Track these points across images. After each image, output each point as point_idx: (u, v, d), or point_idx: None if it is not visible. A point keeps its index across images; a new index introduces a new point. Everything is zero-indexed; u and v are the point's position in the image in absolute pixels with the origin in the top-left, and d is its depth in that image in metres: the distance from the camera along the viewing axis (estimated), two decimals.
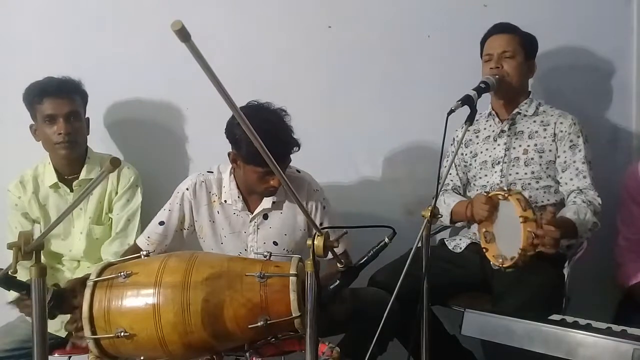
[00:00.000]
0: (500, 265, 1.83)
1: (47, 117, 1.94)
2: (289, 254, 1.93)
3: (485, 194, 1.88)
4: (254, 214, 1.92)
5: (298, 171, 1.98)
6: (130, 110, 2.37)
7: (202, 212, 1.94)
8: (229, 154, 1.84)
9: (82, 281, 1.51)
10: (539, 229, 1.66)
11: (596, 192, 1.90)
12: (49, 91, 1.94)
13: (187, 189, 1.93)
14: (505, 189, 1.84)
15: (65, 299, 1.46)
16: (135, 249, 1.90)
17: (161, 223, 1.93)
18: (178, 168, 2.37)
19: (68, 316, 1.58)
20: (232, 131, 1.77)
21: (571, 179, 1.95)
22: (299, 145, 1.79)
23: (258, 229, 1.94)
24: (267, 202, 1.91)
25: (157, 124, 2.40)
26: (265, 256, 1.47)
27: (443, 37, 2.36)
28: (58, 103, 1.95)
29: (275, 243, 1.93)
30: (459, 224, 2.16)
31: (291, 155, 1.88)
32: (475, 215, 1.91)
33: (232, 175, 1.92)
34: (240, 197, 1.91)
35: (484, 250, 1.91)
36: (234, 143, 1.79)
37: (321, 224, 1.92)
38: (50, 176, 2.03)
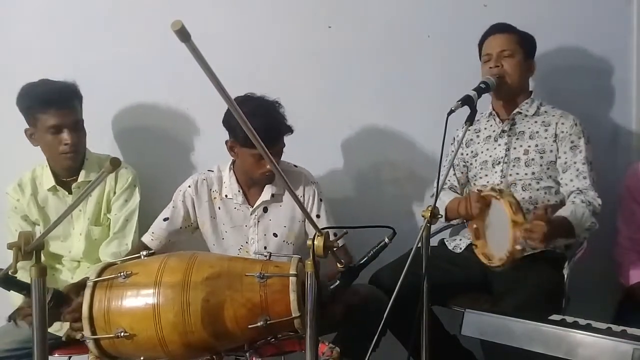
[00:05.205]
0: (488, 264, 1.83)
1: (52, 127, 1.90)
2: (288, 245, 2.00)
3: (478, 191, 1.89)
4: (254, 207, 1.97)
5: (295, 166, 2.04)
6: (130, 111, 2.37)
7: (203, 209, 1.99)
8: (226, 142, 1.91)
9: (76, 287, 1.52)
10: (528, 227, 1.65)
11: (596, 193, 1.90)
12: (53, 101, 1.90)
13: (189, 187, 2.00)
14: (497, 189, 1.84)
15: (63, 301, 1.47)
16: (141, 246, 1.95)
17: (165, 219, 1.99)
18: (178, 168, 2.36)
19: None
20: (229, 120, 1.86)
21: (571, 180, 1.95)
22: (291, 130, 1.88)
23: (258, 221, 1.99)
24: (266, 195, 1.96)
25: (157, 124, 2.40)
26: (265, 256, 1.47)
27: (443, 37, 2.36)
28: (63, 113, 1.91)
29: (274, 235, 1.99)
30: (454, 222, 2.16)
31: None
32: (467, 213, 1.91)
33: (232, 171, 1.99)
34: (241, 191, 1.97)
35: (474, 246, 1.92)
36: (230, 130, 1.87)
37: (317, 216, 1.99)
38: (48, 179, 2.02)
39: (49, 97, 1.90)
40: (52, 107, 1.90)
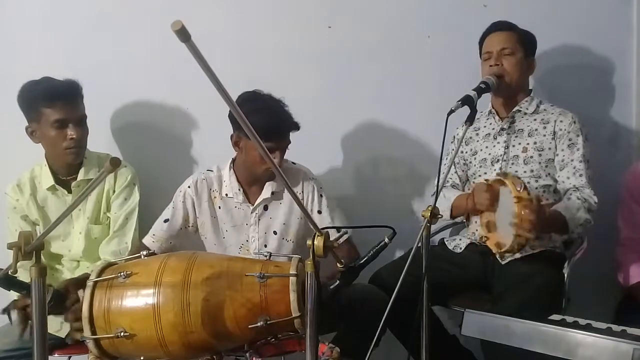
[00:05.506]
0: (499, 251, 1.84)
1: (57, 121, 1.91)
2: (288, 242, 2.01)
3: (485, 181, 1.89)
4: (254, 205, 1.98)
5: (294, 163, 2.05)
6: (130, 110, 2.37)
7: (203, 209, 2.00)
8: (231, 137, 1.92)
9: (76, 281, 1.52)
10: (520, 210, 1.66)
11: (592, 191, 1.90)
12: (60, 95, 1.91)
13: (189, 187, 2.00)
14: (502, 173, 1.84)
15: (63, 300, 1.46)
16: (142, 248, 1.95)
17: (166, 221, 2.00)
18: (178, 167, 2.37)
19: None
20: None
21: (568, 178, 1.95)
22: (298, 127, 1.89)
23: (259, 220, 2.00)
24: (267, 193, 1.97)
25: (157, 123, 2.40)
26: (265, 256, 1.47)
27: (443, 37, 2.36)
28: (69, 107, 1.92)
29: (275, 232, 2.00)
30: (458, 219, 2.16)
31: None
32: (477, 205, 1.91)
33: (232, 170, 1.99)
34: (241, 189, 1.98)
35: (485, 239, 1.92)
36: (236, 123, 1.86)
37: (319, 212, 2.00)
38: (47, 179, 2.02)
39: (56, 91, 1.91)
40: (59, 101, 1.90)
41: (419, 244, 1.50)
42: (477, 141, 2.14)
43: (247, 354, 1.46)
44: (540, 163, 1.99)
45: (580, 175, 1.93)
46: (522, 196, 1.68)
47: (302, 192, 2.00)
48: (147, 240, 2.00)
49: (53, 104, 1.90)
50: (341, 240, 1.84)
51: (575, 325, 1.27)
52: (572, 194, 1.90)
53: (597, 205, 1.89)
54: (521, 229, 1.68)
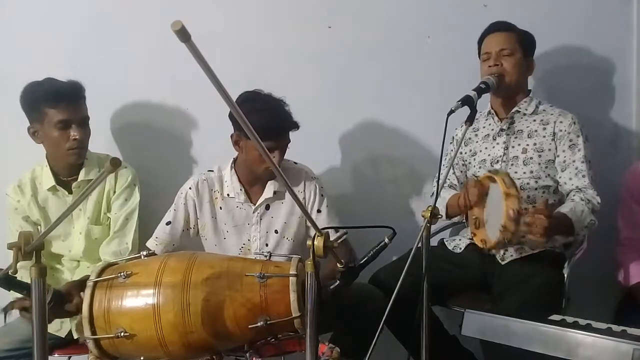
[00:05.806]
0: (484, 246, 1.84)
1: (61, 122, 1.91)
2: (288, 241, 2.01)
3: (475, 177, 1.88)
4: (256, 204, 1.98)
5: (295, 163, 2.05)
6: (130, 110, 2.37)
7: (204, 210, 2.00)
8: (231, 136, 1.92)
9: (79, 284, 1.52)
10: (531, 216, 1.65)
11: (595, 191, 1.90)
12: (64, 96, 1.91)
13: (190, 188, 2.00)
14: (493, 170, 1.83)
15: (62, 301, 1.47)
16: (145, 250, 1.93)
17: (168, 223, 2.00)
18: (178, 168, 2.37)
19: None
20: None
21: (570, 179, 1.95)
22: (297, 126, 1.89)
23: (261, 219, 2.00)
24: (269, 192, 1.97)
25: (158, 123, 2.40)
26: (265, 256, 1.47)
27: (443, 37, 2.36)
28: (73, 108, 1.93)
29: (276, 231, 2.00)
30: (455, 219, 2.16)
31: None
32: (466, 200, 1.90)
33: (233, 169, 2.00)
34: (243, 189, 1.98)
35: (472, 235, 1.92)
36: (237, 123, 1.86)
37: (319, 211, 2.00)
38: (47, 179, 2.01)
39: (59, 92, 1.92)
40: (63, 101, 1.91)
41: (419, 244, 1.50)
42: (477, 142, 2.14)
43: (247, 354, 1.46)
44: (540, 164, 1.99)
45: (583, 176, 1.92)
46: (510, 192, 1.68)
47: (304, 191, 2.00)
48: (150, 244, 1.99)
49: (56, 104, 1.90)
50: (340, 240, 1.85)
51: (575, 326, 1.27)
52: (575, 195, 1.90)
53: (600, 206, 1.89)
54: (532, 233, 1.68)
